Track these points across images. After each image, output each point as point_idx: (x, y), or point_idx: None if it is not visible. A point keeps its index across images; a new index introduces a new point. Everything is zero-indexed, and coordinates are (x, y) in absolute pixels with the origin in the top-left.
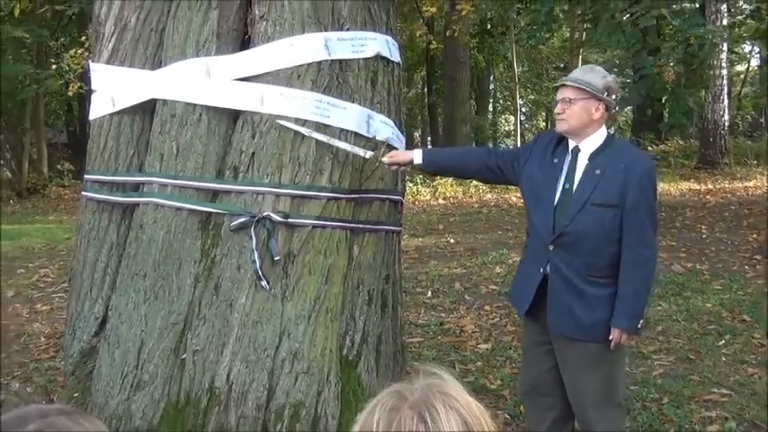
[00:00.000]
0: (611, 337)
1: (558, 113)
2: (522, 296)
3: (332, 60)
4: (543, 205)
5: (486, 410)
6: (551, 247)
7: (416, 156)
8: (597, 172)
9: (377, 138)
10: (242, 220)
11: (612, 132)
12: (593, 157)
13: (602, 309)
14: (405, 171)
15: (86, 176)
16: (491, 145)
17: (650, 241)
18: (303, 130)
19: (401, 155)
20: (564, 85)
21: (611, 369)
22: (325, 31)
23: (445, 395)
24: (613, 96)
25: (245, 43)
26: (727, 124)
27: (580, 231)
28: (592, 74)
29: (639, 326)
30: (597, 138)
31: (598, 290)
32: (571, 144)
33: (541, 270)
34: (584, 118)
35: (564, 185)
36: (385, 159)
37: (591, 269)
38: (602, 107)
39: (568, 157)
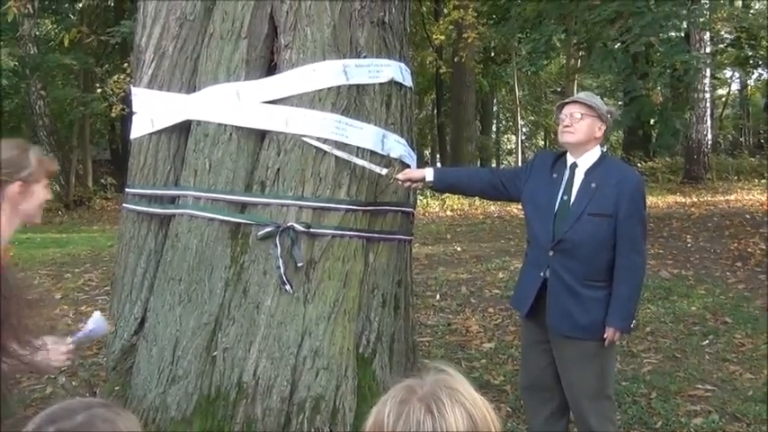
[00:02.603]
0: (605, 336)
1: (567, 126)
2: (524, 298)
3: (350, 85)
4: (544, 215)
5: (489, 404)
6: (551, 253)
7: (428, 174)
8: (593, 185)
9: (391, 155)
10: (268, 229)
11: (605, 150)
12: (589, 172)
13: (597, 310)
14: (417, 187)
15: (127, 190)
16: (494, 162)
17: (641, 248)
18: (324, 147)
19: (414, 173)
20: (574, 102)
21: (603, 365)
22: (344, 58)
23: (452, 390)
24: (611, 120)
25: (271, 69)
26: (710, 143)
27: (577, 239)
28: (596, 98)
29: (632, 325)
30: (593, 155)
31: (593, 292)
32: (569, 160)
33: (541, 274)
34: (589, 134)
35: (562, 197)
36: (399, 176)
37: (587, 273)
38: (603, 128)
39: (567, 172)
